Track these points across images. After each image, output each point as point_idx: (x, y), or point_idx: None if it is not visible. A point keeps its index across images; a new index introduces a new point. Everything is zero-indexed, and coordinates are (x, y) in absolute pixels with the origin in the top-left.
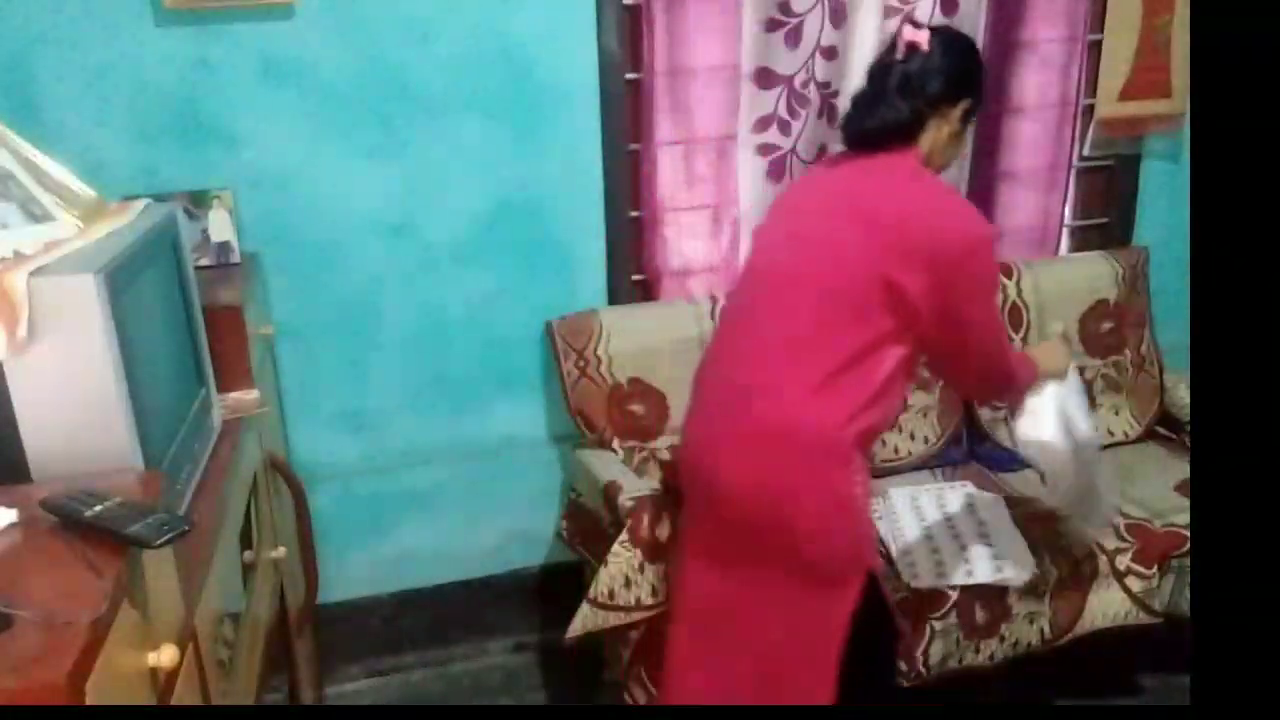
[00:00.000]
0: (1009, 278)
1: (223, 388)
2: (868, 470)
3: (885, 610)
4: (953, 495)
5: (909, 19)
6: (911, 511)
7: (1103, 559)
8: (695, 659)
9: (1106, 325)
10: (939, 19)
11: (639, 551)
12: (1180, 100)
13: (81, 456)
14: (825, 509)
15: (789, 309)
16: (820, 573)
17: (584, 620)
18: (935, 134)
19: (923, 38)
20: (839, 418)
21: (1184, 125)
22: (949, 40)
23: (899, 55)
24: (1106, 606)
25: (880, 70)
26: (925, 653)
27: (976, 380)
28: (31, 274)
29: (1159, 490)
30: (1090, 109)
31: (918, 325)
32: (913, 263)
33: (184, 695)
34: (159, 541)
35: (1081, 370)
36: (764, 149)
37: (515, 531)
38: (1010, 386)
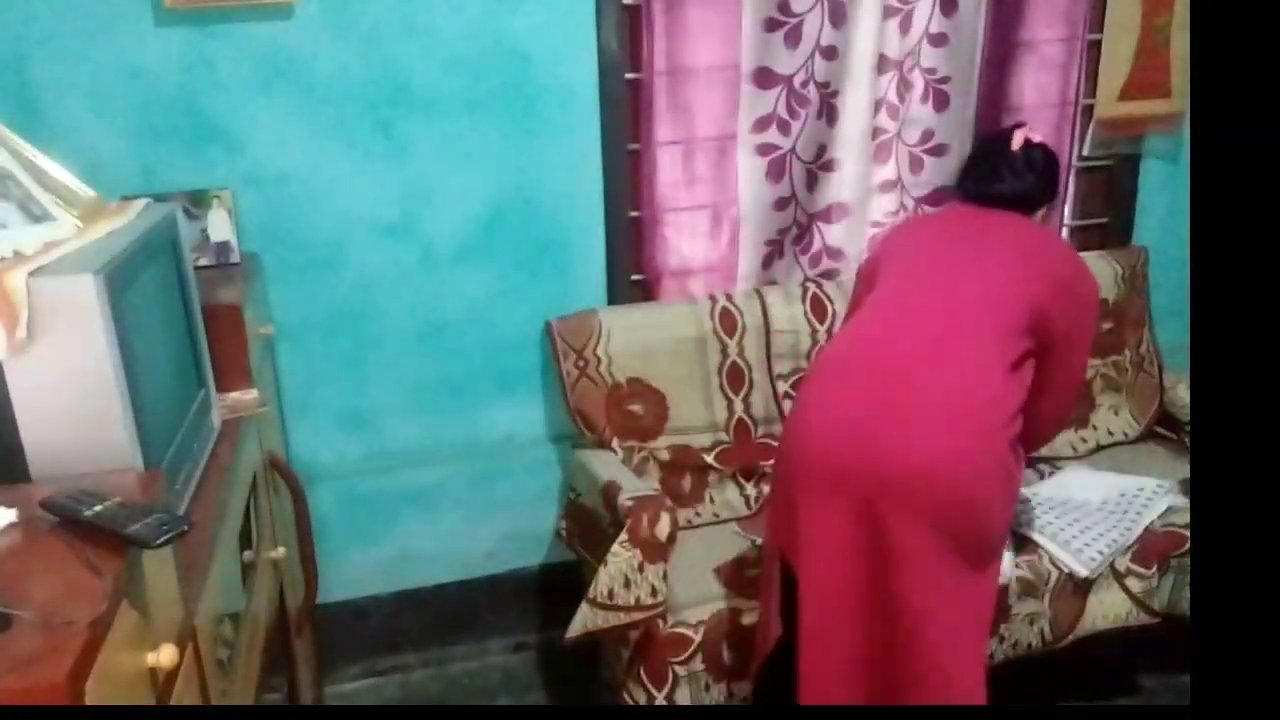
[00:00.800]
0: None
1: (222, 387)
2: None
3: None
4: None
5: (1025, 124)
6: None
7: None
8: (841, 649)
9: (1106, 325)
10: (939, 20)
11: (638, 551)
12: (1180, 100)
13: (81, 456)
14: (1008, 485)
15: (978, 303)
16: (985, 548)
17: (584, 620)
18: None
19: (1037, 136)
20: (1016, 408)
21: (1184, 125)
22: (1048, 151)
23: (1016, 147)
24: (1107, 608)
25: (1003, 151)
26: None
27: (1048, 411)
28: (31, 274)
29: None
30: (1090, 109)
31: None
32: (1058, 300)
33: (183, 695)
34: (158, 541)
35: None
36: (763, 149)
37: (515, 531)
38: (1059, 428)
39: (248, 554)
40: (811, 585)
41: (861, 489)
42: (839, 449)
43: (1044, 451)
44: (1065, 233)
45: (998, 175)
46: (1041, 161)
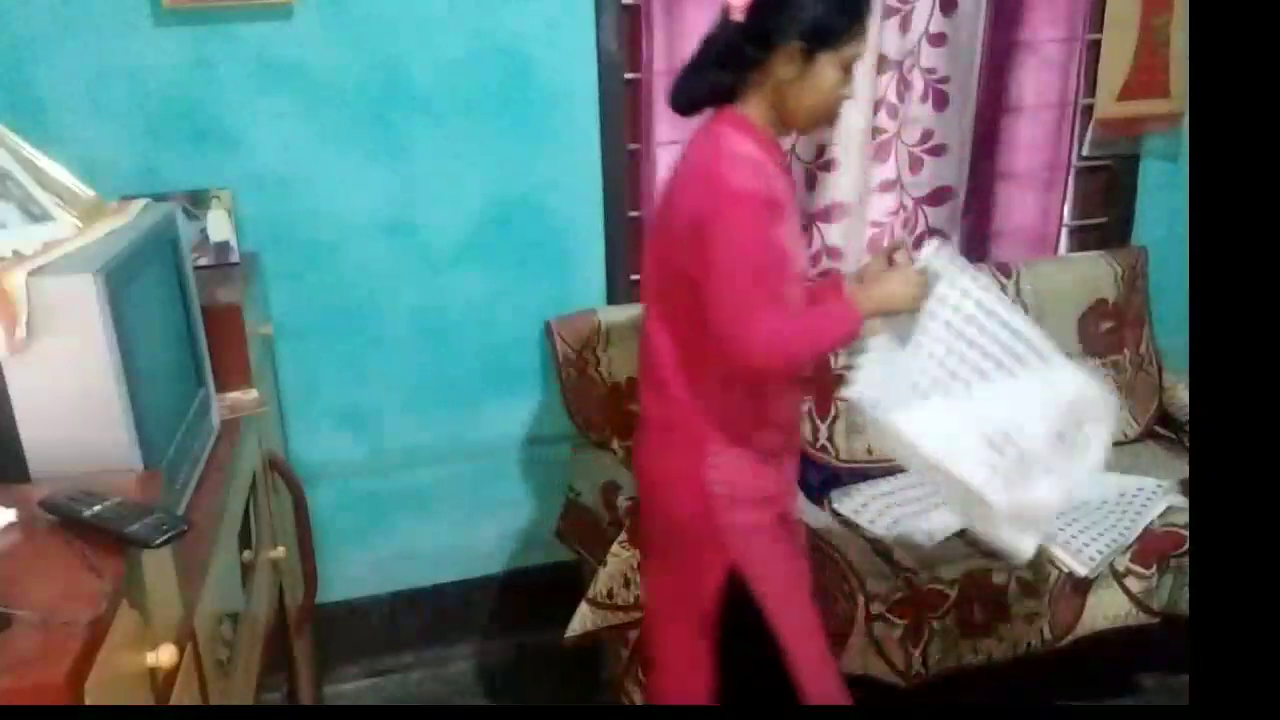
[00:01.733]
0: (1007, 277)
1: (222, 387)
2: (741, 457)
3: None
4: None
5: None
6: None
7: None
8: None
9: (1106, 325)
10: (939, 20)
11: (638, 551)
12: (1179, 100)
13: (81, 456)
14: (672, 484)
15: (651, 309)
16: (672, 544)
17: (583, 620)
18: (766, 91)
19: (735, 2)
20: (691, 406)
21: (1183, 125)
22: None
23: (719, 27)
24: (1106, 607)
25: (705, 38)
26: (924, 652)
27: (721, 351)
28: (31, 274)
29: None
30: (1089, 109)
31: None
32: (689, 239)
33: (183, 695)
34: (158, 541)
35: None
36: None
37: (514, 531)
38: (782, 357)
39: (247, 554)
40: None
41: None
42: None
43: None
44: (1065, 233)
45: (690, 76)
46: (744, 23)
